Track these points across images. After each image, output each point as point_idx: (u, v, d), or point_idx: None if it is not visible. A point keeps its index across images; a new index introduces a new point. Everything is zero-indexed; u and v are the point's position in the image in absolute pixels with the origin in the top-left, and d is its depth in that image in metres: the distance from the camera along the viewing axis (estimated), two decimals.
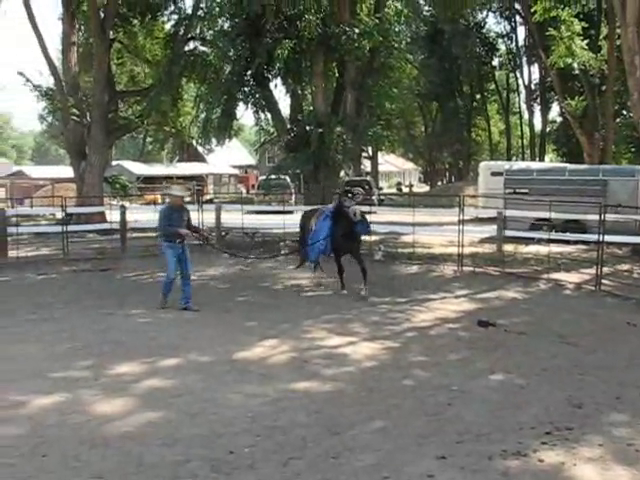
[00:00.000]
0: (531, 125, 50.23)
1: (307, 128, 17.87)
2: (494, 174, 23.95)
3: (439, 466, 4.46)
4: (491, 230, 15.63)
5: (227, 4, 17.80)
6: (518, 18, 43.78)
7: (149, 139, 54.79)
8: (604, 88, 28.27)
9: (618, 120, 34.04)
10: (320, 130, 16.96)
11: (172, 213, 9.85)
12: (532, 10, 24.58)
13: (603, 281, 11.39)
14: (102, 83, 21.73)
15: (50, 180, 38.39)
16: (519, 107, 58.29)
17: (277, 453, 4.68)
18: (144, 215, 18.13)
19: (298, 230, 12.89)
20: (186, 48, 22.97)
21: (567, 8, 24.78)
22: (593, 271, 11.78)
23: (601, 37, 27.54)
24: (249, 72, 17.51)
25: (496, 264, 13.48)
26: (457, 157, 58.03)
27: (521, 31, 49.99)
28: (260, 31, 16.68)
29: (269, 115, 18.70)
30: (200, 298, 10.19)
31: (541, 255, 13.95)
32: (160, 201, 27.06)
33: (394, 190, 53.61)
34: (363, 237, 12.03)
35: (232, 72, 17.86)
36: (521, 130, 55.64)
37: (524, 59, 49.28)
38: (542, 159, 45.82)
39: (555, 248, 14.07)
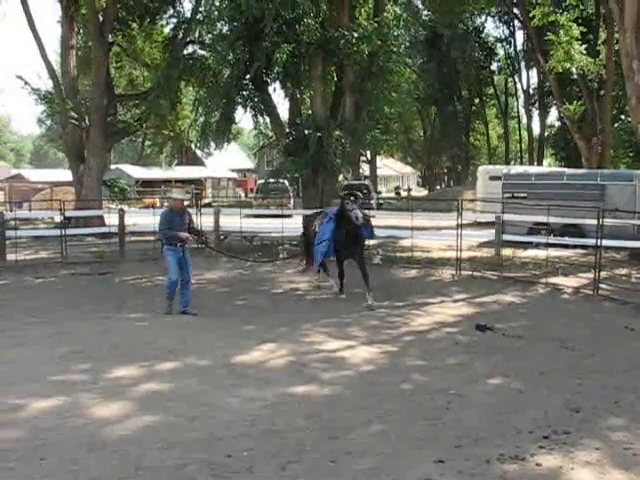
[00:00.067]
0: (529, 129, 50.42)
1: (306, 132, 17.84)
2: (492, 178, 23.95)
3: (437, 470, 4.47)
4: (489, 234, 15.62)
5: (226, 8, 17.77)
6: (517, 23, 43.91)
7: (148, 143, 54.96)
8: (602, 93, 28.30)
9: (616, 125, 34.09)
10: (319, 134, 16.94)
11: (173, 216, 9.83)
12: (531, 15, 24.62)
13: (601, 285, 11.43)
14: (101, 87, 21.74)
15: (49, 183, 38.52)
16: (517, 111, 58.52)
17: (275, 457, 4.68)
18: (143, 219, 18.14)
19: (300, 234, 12.85)
20: (185, 52, 23.00)
21: (566, 13, 24.87)
22: (591, 275, 11.82)
23: (599, 42, 27.57)
24: (248, 76, 17.48)
25: (494, 268, 13.49)
26: (455, 161, 58.27)
27: (520, 36, 50.10)
28: (259, 35, 16.66)
29: (268, 119, 18.67)
30: (198, 302, 10.20)
31: (539, 259, 13.98)
32: (159, 205, 27.17)
33: (392, 194, 53.65)
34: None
35: (231, 76, 17.83)
36: (519, 134, 55.90)
37: (522, 64, 49.53)
38: (540, 163, 45.91)
39: (553, 252, 14.09)
